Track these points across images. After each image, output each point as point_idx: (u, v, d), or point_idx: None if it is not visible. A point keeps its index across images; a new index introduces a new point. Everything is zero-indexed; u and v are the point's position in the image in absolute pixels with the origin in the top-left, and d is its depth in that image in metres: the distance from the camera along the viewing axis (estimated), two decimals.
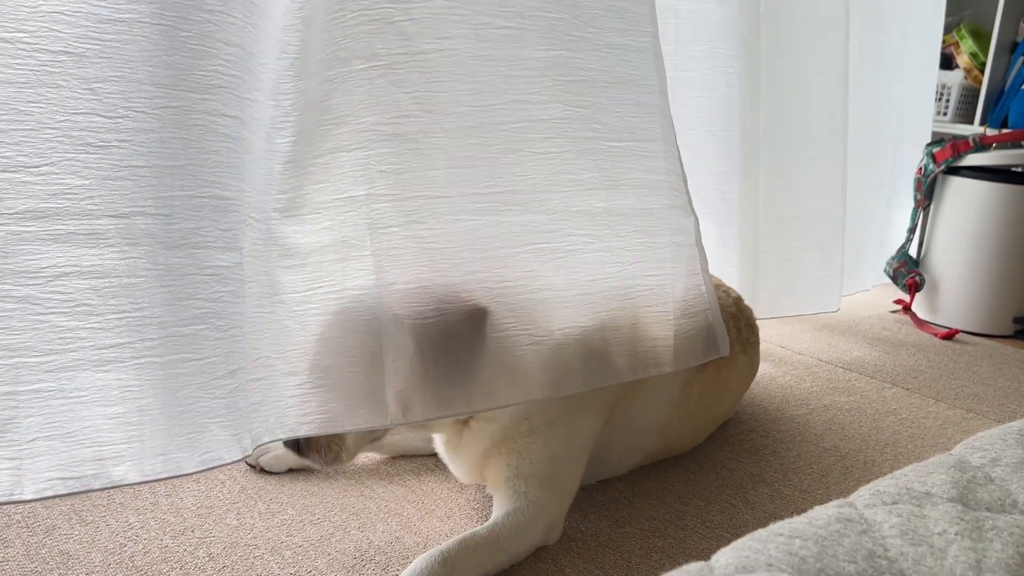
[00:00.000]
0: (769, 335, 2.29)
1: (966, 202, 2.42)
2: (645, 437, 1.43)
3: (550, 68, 1.16)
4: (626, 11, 1.23)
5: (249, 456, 1.42)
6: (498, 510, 1.22)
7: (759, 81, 1.95)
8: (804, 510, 0.70)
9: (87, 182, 0.88)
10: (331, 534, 1.26)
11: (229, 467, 1.44)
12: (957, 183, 2.44)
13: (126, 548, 1.21)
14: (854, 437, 1.67)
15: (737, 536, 0.66)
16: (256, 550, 1.22)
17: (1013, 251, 2.36)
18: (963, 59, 2.87)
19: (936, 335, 2.40)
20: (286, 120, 1.02)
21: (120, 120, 0.88)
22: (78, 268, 0.89)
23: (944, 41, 2.69)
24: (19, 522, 1.26)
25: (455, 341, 1.13)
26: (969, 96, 2.86)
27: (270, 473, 1.44)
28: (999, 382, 2.04)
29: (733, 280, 1.96)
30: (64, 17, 0.84)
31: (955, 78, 2.87)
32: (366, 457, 1.50)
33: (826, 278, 2.19)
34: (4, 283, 0.86)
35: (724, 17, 1.87)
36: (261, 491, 1.38)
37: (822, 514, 0.68)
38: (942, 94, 2.87)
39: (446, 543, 1.12)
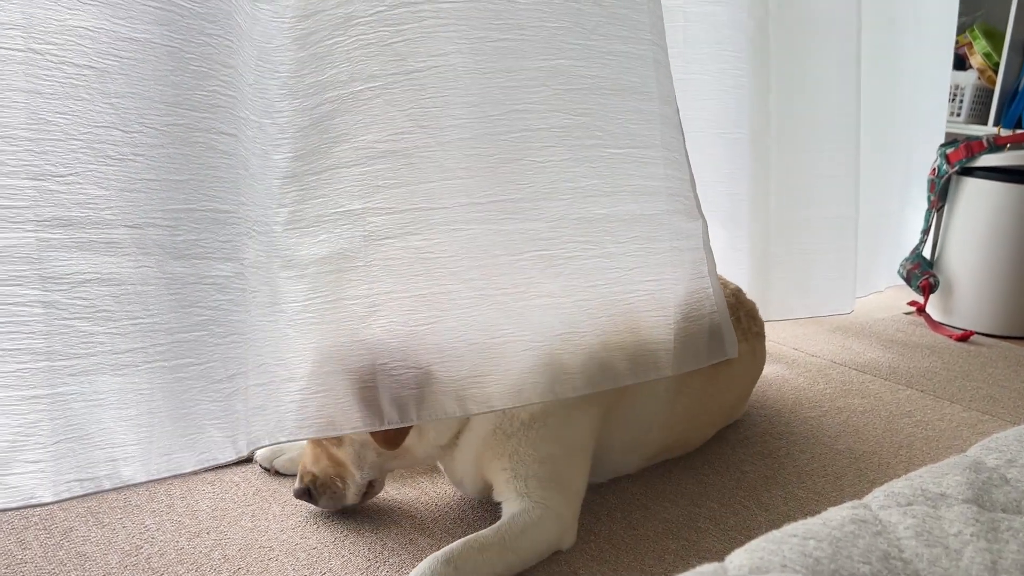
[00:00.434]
0: (782, 337, 2.28)
1: (980, 203, 2.40)
2: (646, 431, 1.43)
3: (551, 77, 1.18)
4: (627, 18, 1.25)
5: (262, 459, 1.45)
6: (505, 514, 1.23)
7: (769, 83, 1.95)
8: (818, 512, 0.70)
9: (107, 192, 0.91)
10: (345, 536, 1.27)
11: (243, 470, 1.45)
12: (971, 184, 2.43)
13: (142, 550, 1.22)
14: (868, 439, 1.66)
15: (751, 538, 0.65)
16: (271, 552, 1.22)
17: None
18: (976, 59, 2.85)
19: (951, 337, 2.38)
20: (282, 137, 1.06)
21: (135, 135, 0.92)
22: (98, 275, 0.92)
23: (957, 41, 2.67)
24: (37, 524, 1.27)
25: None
26: (983, 96, 2.84)
27: (284, 476, 1.45)
28: (1015, 384, 2.02)
29: (743, 281, 1.95)
30: (88, 32, 0.88)
31: (968, 78, 2.85)
32: None
33: (838, 280, 2.19)
34: (33, 288, 0.89)
35: (732, 19, 1.87)
36: (275, 493, 1.39)
37: (836, 515, 0.68)
38: (955, 95, 2.86)
39: (451, 544, 1.13)
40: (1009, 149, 2.38)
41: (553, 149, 1.20)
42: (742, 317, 1.60)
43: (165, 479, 1.03)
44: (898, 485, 0.75)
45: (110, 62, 0.89)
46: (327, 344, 1.11)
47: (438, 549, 1.13)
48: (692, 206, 1.38)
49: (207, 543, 1.24)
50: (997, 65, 2.73)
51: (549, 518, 1.21)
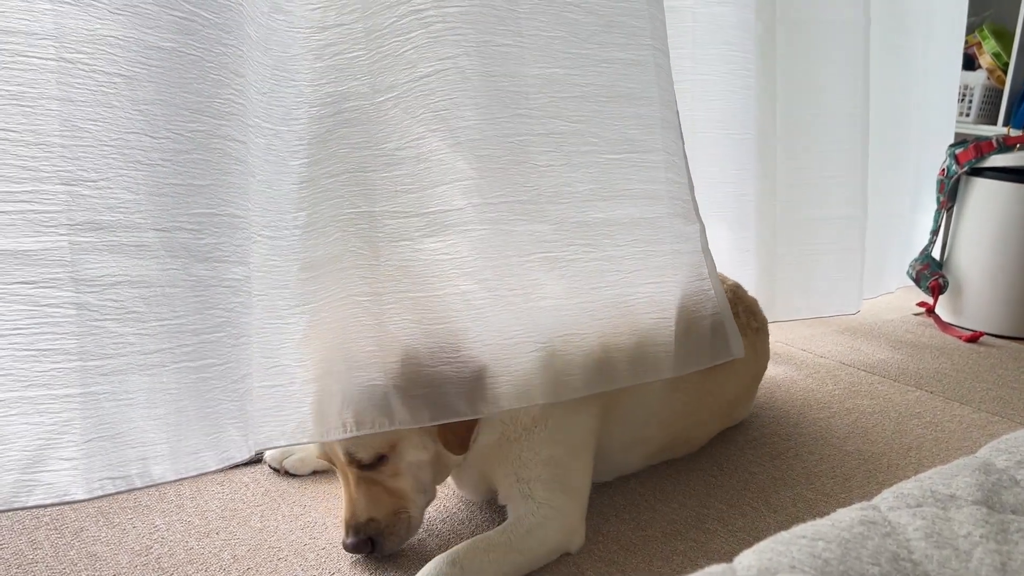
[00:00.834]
0: (790, 338, 2.27)
1: (990, 203, 2.39)
2: (646, 428, 1.43)
3: (546, 85, 1.21)
4: (625, 25, 1.27)
5: (272, 459, 1.46)
6: (511, 516, 1.24)
7: (776, 83, 1.95)
8: (827, 513, 0.70)
9: (137, 197, 0.93)
10: None
11: (253, 470, 1.46)
12: (980, 184, 2.42)
13: (152, 550, 1.23)
14: (877, 440, 1.66)
15: (759, 539, 0.65)
16: (280, 552, 1.23)
17: None
18: (986, 59, 2.84)
19: (960, 337, 2.37)
20: (299, 143, 1.09)
21: (163, 140, 0.94)
22: (128, 278, 0.94)
23: (967, 41, 2.67)
24: (48, 524, 1.28)
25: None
26: (992, 96, 2.83)
27: (294, 476, 1.45)
28: None
29: (750, 281, 1.95)
30: (118, 41, 0.89)
31: (978, 78, 2.84)
32: None
33: (844, 280, 2.18)
34: (66, 290, 0.90)
35: (740, 20, 1.87)
36: (285, 494, 1.40)
37: (845, 516, 0.68)
38: (965, 95, 2.85)
39: (457, 545, 1.14)
40: (1018, 149, 2.37)
41: (552, 154, 1.23)
42: (741, 313, 1.60)
43: (193, 477, 1.05)
44: (907, 486, 0.74)
45: (139, 70, 0.91)
46: (345, 345, 1.12)
47: (445, 550, 1.13)
48: (691, 209, 1.40)
49: (217, 543, 1.25)
50: (1006, 65, 2.72)
51: (554, 518, 1.21)
